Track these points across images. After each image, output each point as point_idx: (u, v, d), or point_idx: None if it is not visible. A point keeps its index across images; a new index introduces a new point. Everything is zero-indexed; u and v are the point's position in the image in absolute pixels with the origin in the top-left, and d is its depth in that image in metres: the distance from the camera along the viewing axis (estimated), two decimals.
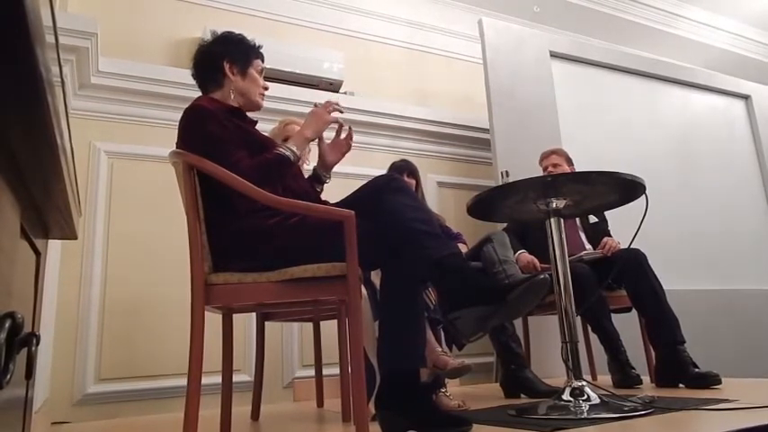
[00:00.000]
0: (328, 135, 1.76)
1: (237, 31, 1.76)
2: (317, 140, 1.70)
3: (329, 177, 1.84)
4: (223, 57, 1.67)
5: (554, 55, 3.57)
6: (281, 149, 1.54)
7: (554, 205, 1.79)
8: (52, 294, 2.20)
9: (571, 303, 1.78)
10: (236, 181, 1.42)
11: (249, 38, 1.76)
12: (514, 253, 2.49)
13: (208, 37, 1.77)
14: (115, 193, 2.59)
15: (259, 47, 1.75)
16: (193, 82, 1.75)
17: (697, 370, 2.16)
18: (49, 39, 0.45)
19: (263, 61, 1.76)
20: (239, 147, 1.52)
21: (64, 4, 2.49)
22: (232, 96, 1.67)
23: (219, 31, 1.77)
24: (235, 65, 1.68)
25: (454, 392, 2.18)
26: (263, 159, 1.52)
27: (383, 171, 2.38)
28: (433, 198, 3.34)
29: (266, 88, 1.76)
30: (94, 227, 2.50)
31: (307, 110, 2.96)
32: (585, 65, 3.75)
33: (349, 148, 1.81)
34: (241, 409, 2.01)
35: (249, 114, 1.73)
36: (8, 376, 0.45)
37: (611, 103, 3.79)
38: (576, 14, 4.20)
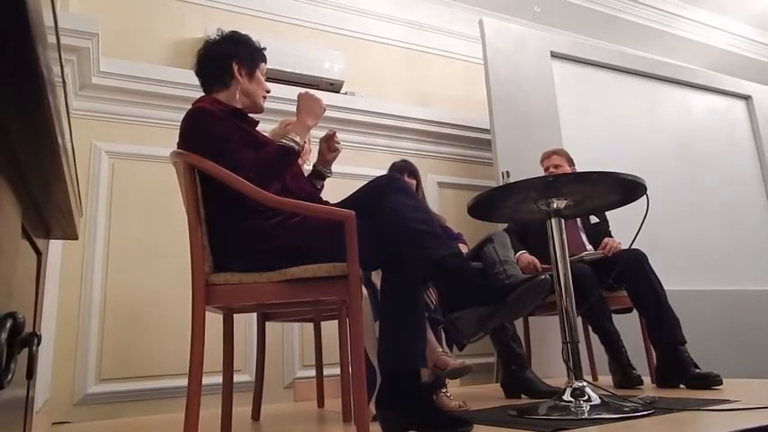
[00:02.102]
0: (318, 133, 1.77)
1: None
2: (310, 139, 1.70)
3: (330, 172, 1.86)
4: (232, 57, 1.66)
5: (554, 55, 3.57)
6: (283, 141, 1.54)
7: (555, 206, 1.79)
8: (53, 294, 2.20)
9: (572, 304, 1.78)
10: (237, 181, 1.42)
11: (253, 39, 1.75)
12: (515, 253, 2.49)
13: (209, 36, 1.76)
14: (116, 194, 2.59)
15: (263, 49, 1.75)
16: (194, 82, 1.74)
17: (698, 370, 2.15)
18: (51, 39, 0.45)
19: (266, 63, 1.76)
20: (243, 147, 1.52)
21: (65, 4, 2.49)
22: (238, 97, 1.67)
23: (221, 31, 1.77)
24: (243, 66, 1.67)
25: (455, 393, 2.18)
26: (266, 153, 1.52)
27: (383, 171, 2.38)
28: (433, 198, 3.34)
29: (269, 91, 1.76)
30: (95, 227, 2.51)
31: None
32: (586, 65, 3.75)
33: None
34: (242, 409, 2.01)
35: (250, 115, 1.72)
36: (9, 376, 0.45)
37: (611, 103, 3.79)
38: (577, 14, 4.20)
